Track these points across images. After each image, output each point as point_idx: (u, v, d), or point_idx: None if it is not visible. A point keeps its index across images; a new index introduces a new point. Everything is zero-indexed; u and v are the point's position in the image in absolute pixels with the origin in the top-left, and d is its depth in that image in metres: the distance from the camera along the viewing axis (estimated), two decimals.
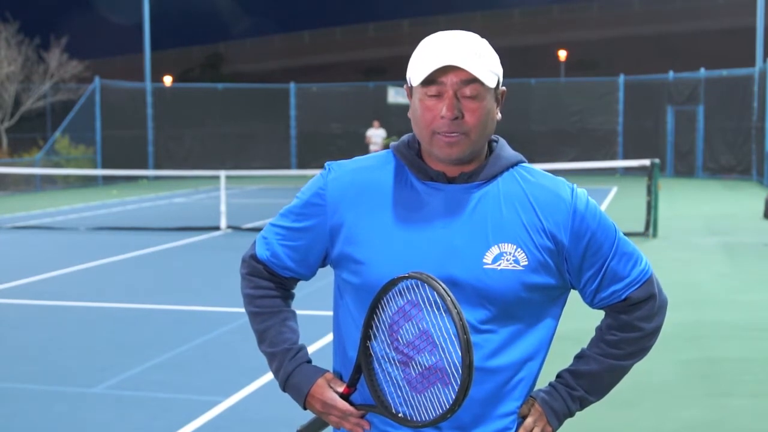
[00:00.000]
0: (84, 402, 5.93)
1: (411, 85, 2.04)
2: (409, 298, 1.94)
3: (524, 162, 2.12)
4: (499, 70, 2.04)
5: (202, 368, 6.73)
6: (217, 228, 15.54)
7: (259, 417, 5.62)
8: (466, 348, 1.81)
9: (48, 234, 15.72)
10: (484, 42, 2.03)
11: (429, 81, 1.98)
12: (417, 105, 2.02)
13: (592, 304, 2.14)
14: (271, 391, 6.07)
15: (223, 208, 15.73)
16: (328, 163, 2.17)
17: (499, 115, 2.08)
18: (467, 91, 1.97)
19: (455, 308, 1.83)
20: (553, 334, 2.13)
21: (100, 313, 8.84)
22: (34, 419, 5.60)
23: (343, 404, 2.06)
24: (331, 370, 2.18)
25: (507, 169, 2.08)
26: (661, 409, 5.71)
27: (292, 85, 34.69)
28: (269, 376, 6.32)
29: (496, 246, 2.00)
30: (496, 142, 2.13)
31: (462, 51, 1.96)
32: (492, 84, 1.99)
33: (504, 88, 2.09)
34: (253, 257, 2.23)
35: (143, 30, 32.48)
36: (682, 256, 12.04)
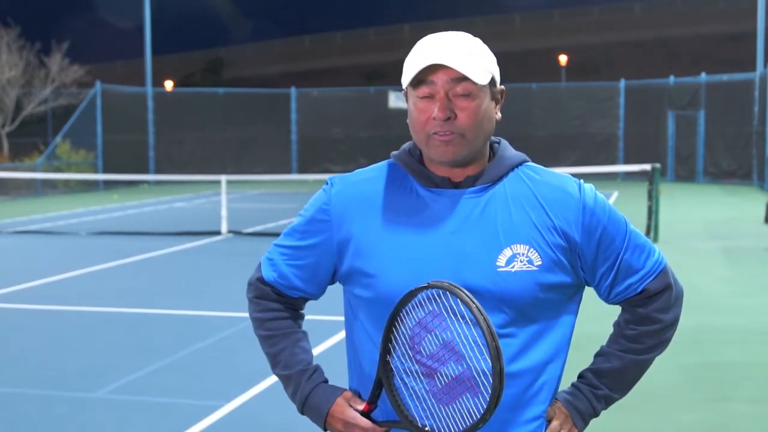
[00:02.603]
0: (84, 406, 5.93)
1: (405, 90, 2.02)
2: (430, 309, 1.90)
3: (528, 161, 2.10)
4: (494, 68, 2.00)
5: (202, 373, 6.73)
6: (218, 233, 15.54)
7: (259, 421, 5.62)
8: (496, 355, 1.79)
9: (49, 238, 15.73)
10: (477, 41, 2.00)
11: (419, 82, 1.96)
12: (412, 109, 2.00)
13: (608, 299, 2.12)
14: (272, 395, 6.07)
15: (224, 212, 15.73)
16: (329, 177, 2.14)
17: (498, 115, 2.04)
18: (459, 89, 1.94)
19: (482, 315, 1.80)
20: (572, 333, 2.10)
21: (100, 318, 8.84)
22: (34, 423, 5.60)
23: (365, 422, 2.02)
24: (347, 388, 2.14)
25: (512, 169, 2.05)
26: (662, 413, 5.71)
27: (292, 90, 34.72)
28: (270, 380, 6.32)
29: (508, 248, 1.97)
30: (498, 143, 2.10)
31: (450, 50, 1.94)
32: (483, 81, 1.95)
33: (502, 87, 2.05)
34: (260, 280, 2.18)
35: (144, 35, 32.52)
36: (683, 260, 12.03)
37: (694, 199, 22.51)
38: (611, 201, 21.93)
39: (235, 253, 13.34)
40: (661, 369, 6.56)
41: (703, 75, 29.92)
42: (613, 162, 30.93)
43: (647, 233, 14.04)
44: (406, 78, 1.97)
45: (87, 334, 8.10)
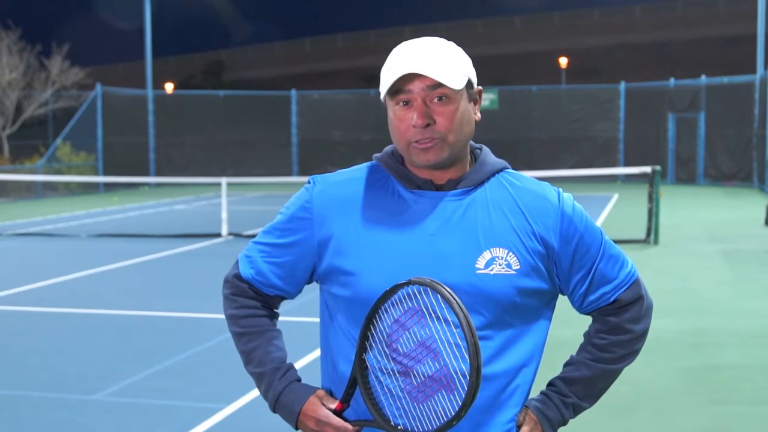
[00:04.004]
0: (84, 409, 5.93)
1: (384, 99, 2.04)
2: (409, 306, 1.92)
3: (508, 168, 2.13)
4: (470, 71, 2.03)
5: (202, 375, 6.73)
6: (219, 235, 15.55)
7: (259, 425, 5.61)
8: (475, 351, 1.79)
9: (49, 241, 15.73)
10: (451, 45, 2.02)
11: (396, 91, 1.98)
12: (391, 117, 2.02)
13: (581, 308, 2.15)
14: None
15: (224, 215, 15.74)
16: (311, 177, 2.15)
17: (478, 116, 2.06)
18: (435, 95, 1.97)
19: (462, 311, 1.81)
20: (545, 340, 2.13)
21: (100, 320, 8.84)
22: (34, 426, 5.60)
23: (338, 421, 2.03)
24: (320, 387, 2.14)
25: (493, 174, 2.08)
26: (662, 416, 5.70)
27: (293, 92, 34.73)
28: None
29: (488, 251, 2.00)
30: (480, 149, 2.13)
31: (424, 57, 1.96)
32: (459, 86, 1.97)
33: (480, 87, 2.07)
34: (237, 276, 2.19)
35: (145, 37, 32.54)
36: (683, 263, 12.04)
37: (695, 202, 22.50)
38: (611, 204, 21.92)
39: (235, 256, 13.24)
40: (661, 372, 6.57)
41: (704, 77, 29.92)
42: (614, 164, 30.92)
43: (647, 236, 14.05)
44: (383, 88, 1.99)
45: (87, 337, 8.10)
